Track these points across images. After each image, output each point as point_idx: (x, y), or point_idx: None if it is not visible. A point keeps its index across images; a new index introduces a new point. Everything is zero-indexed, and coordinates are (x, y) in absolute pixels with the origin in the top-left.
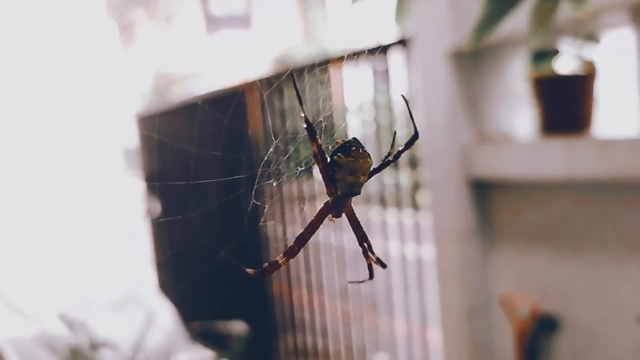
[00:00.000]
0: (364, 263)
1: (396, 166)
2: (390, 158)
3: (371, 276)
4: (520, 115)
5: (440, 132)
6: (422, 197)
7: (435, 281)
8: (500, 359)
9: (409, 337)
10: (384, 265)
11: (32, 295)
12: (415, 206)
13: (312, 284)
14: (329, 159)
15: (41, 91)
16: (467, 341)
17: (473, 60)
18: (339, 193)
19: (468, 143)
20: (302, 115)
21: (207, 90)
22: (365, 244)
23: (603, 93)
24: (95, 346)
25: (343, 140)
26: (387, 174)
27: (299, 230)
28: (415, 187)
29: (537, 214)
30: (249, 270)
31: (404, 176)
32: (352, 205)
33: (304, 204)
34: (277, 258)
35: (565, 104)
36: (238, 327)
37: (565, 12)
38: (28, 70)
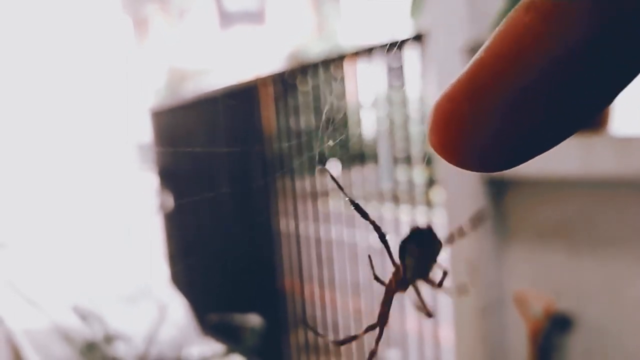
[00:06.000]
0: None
1: (410, 163)
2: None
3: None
4: None
5: None
6: (436, 195)
7: (447, 279)
8: (513, 357)
9: (420, 334)
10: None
11: (46, 287)
12: (428, 203)
13: (323, 280)
14: (399, 251)
15: (55, 86)
16: (479, 339)
17: None
18: (406, 276)
19: None
20: (347, 199)
21: (220, 86)
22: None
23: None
24: (109, 339)
25: (416, 227)
26: (400, 171)
27: (312, 226)
28: (429, 184)
29: (553, 212)
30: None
31: (418, 173)
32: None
33: (317, 200)
34: (358, 333)
35: None
36: (253, 320)
37: None
38: (42, 65)
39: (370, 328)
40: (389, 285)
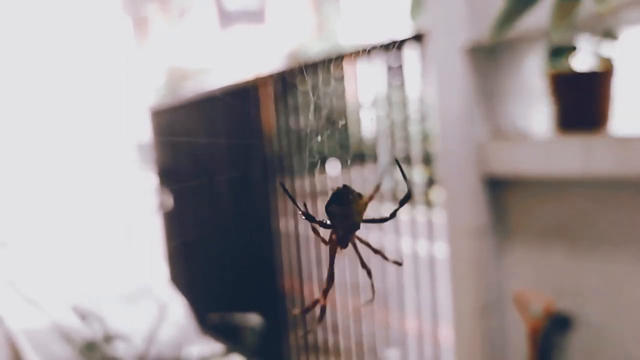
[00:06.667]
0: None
1: (409, 163)
2: (388, 216)
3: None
4: (536, 112)
5: (455, 129)
6: (436, 194)
7: (447, 278)
8: (512, 357)
9: (420, 334)
10: (399, 262)
11: (46, 287)
12: (428, 203)
13: (323, 280)
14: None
15: (55, 85)
16: (479, 339)
17: (489, 56)
18: (339, 234)
19: (483, 140)
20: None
21: (220, 85)
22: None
23: (620, 90)
24: (109, 338)
25: (334, 189)
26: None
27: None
28: (429, 184)
29: (552, 211)
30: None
31: (418, 173)
32: (355, 238)
33: (316, 199)
34: (317, 298)
35: (582, 101)
36: (253, 319)
37: (584, 7)
38: (42, 65)
39: (325, 293)
40: (331, 244)
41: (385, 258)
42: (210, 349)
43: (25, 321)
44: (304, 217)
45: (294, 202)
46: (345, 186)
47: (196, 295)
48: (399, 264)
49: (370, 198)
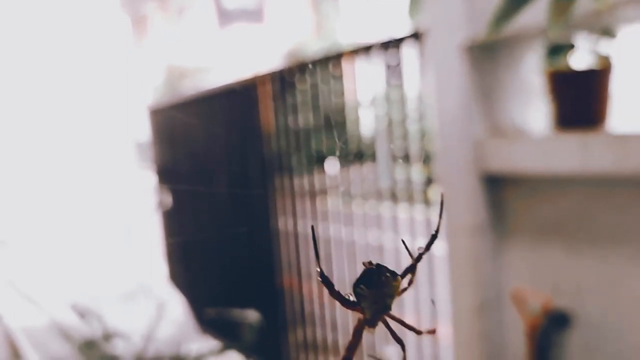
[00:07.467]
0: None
1: (408, 161)
2: (413, 262)
3: None
4: (534, 110)
5: (453, 127)
6: (434, 193)
7: (446, 276)
8: (510, 354)
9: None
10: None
11: (45, 285)
12: (427, 201)
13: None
14: (351, 297)
15: (54, 84)
16: (477, 336)
17: (487, 54)
18: (367, 317)
19: (481, 137)
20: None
21: (219, 84)
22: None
23: (618, 88)
24: (107, 336)
25: (366, 265)
26: (399, 169)
27: (309, 224)
28: (428, 182)
29: (551, 209)
30: None
31: (416, 171)
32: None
33: (315, 198)
34: None
35: (580, 99)
36: (251, 316)
37: (582, 4)
38: (41, 63)
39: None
40: (357, 325)
41: (418, 332)
42: (208, 347)
43: (25, 319)
44: (327, 289)
45: (318, 261)
46: (378, 265)
47: (195, 293)
48: (433, 332)
49: (408, 278)
